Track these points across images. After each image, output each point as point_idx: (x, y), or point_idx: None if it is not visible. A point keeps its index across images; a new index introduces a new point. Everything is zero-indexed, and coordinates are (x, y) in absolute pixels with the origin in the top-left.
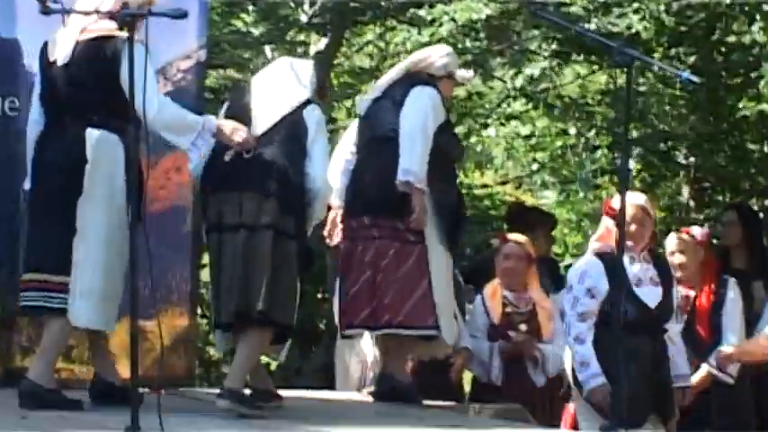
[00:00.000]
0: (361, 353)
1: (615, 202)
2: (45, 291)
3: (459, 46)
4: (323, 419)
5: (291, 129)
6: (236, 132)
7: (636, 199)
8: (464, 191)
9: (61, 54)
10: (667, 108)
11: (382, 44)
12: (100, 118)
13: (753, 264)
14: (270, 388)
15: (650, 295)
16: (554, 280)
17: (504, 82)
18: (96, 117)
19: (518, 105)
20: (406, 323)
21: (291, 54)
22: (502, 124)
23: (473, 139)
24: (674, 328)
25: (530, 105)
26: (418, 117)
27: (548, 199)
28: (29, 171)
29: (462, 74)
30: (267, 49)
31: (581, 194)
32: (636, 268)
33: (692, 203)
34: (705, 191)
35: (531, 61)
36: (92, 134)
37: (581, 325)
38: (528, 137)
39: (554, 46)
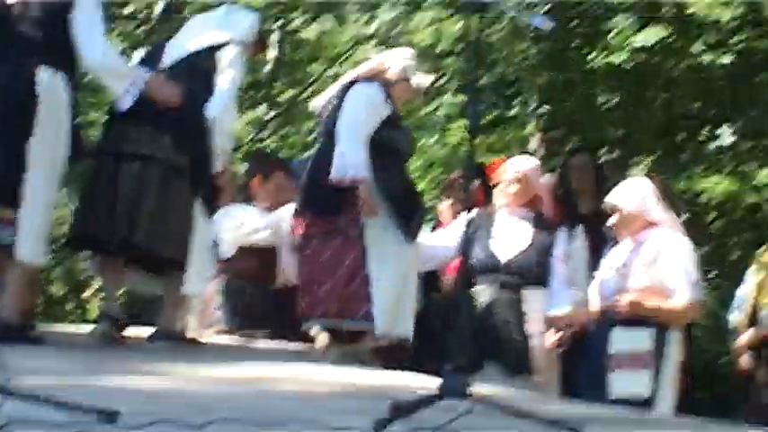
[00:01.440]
0: (206, 293)
1: (506, 165)
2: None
3: None
4: (167, 355)
5: (200, 67)
6: (164, 87)
7: (516, 162)
8: (314, 137)
9: None
10: (518, 59)
11: None
12: (49, 57)
13: (600, 208)
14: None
15: (505, 249)
16: None
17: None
18: (46, 56)
19: (372, 51)
20: (340, 314)
21: None
22: None
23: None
24: (556, 303)
25: (383, 50)
26: (351, 112)
27: None
28: None
29: (419, 79)
30: None
31: (431, 140)
32: (503, 222)
33: (540, 152)
34: (554, 140)
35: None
36: (42, 74)
37: None
38: None
39: None
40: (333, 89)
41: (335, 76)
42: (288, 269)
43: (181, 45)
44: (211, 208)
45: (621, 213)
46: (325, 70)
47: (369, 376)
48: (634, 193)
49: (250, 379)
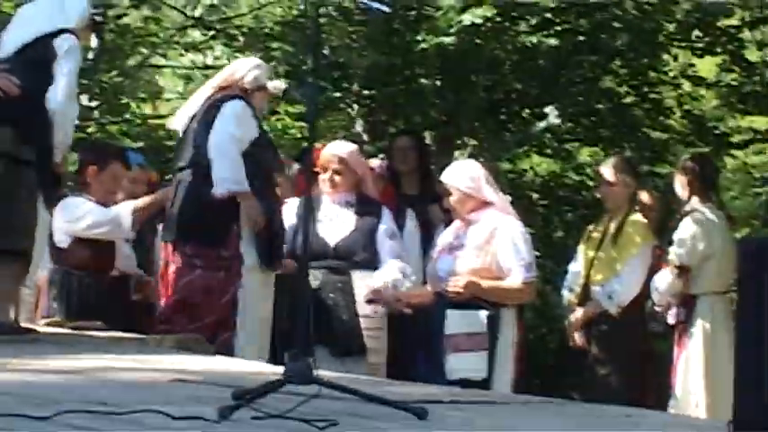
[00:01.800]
0: (38, 280)
1: (324, 149)
2: None
3: None
4: (1, 347)
5: (39, 55)
6: (1, 79)
7: (334, 148)
8: (138, 122)
9: None
10: (346, 40)
11: None
12: None
13: (425, 188)
14: None
15: (332, 233)
16: None
17: (182, 12)
18: None
19: (197, 35)
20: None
21: None
22: (181, 54)
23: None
24: (381, 273)
25: (209, 35)
26: (223, 128)
27: None
28: None
29: (274, 84)
30: None
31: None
32: (328, 207)
33: (365, 136)
34: (379, 123)
35: None
36: None
37: None
38: (207, 67)
39: None
40: (191, 107)
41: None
42: (124, 260)
43: (16, 36)
44: (52, 199)
45: (456, 193)
46: (148, 57)
47: (209, 363)
48: (467, 174)
49: (90, 369)
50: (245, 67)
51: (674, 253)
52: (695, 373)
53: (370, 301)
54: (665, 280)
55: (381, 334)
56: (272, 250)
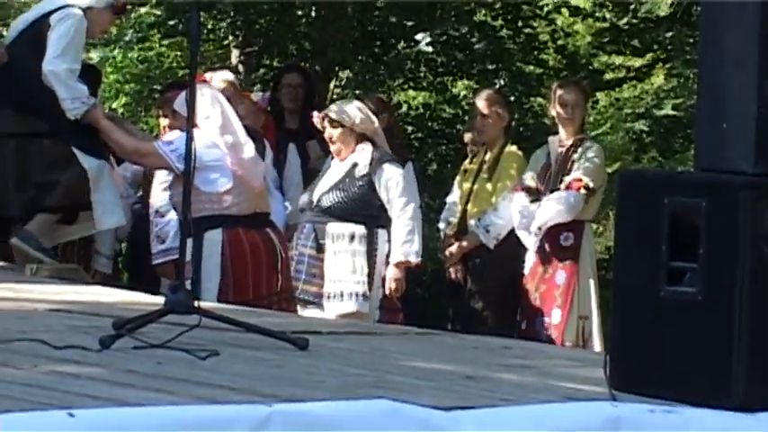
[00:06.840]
0: None
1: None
2: None
3: None
4: None
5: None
6: None
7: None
8: None
9: None
10: None
11: None
12: None
13: (306, 123)
14: None
15: None
16: None
17: None
18: None
19: None
20: None
21: None
22: None
23: None
24: None
25: None
26: (64, 29)
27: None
28: None
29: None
30: None
31: (129, 53)
32: None
33: (240, 67)
34: (252, 54)
35: None
36: None
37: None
38: None
39: None
40: (22, 22)
41: None
42: None
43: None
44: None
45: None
46: None
47: (88, 293)
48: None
49: None
50: None
51: (584, 175)
52: (587, 297)
53: None
54: (573, 202)
55: None
56: None
